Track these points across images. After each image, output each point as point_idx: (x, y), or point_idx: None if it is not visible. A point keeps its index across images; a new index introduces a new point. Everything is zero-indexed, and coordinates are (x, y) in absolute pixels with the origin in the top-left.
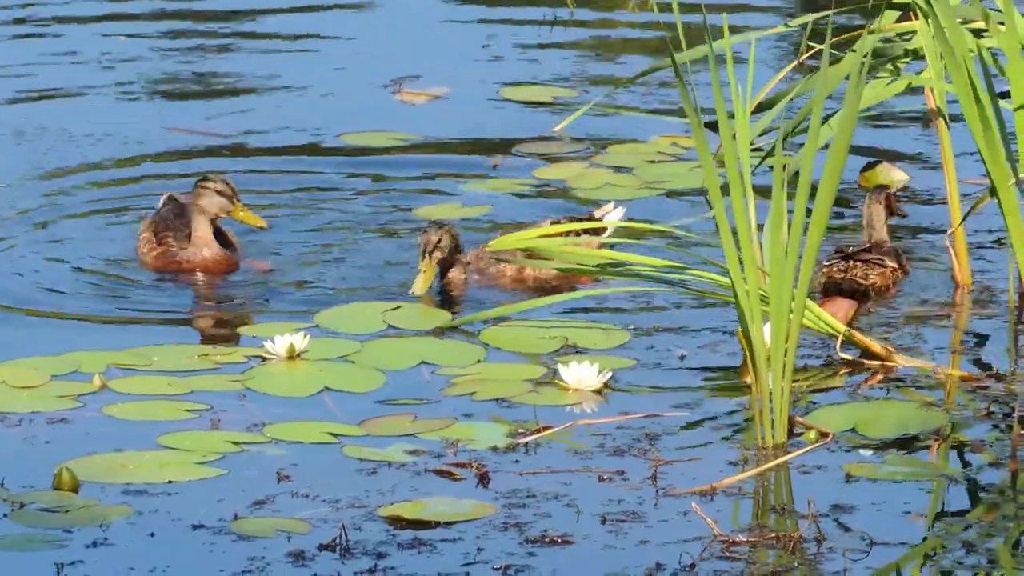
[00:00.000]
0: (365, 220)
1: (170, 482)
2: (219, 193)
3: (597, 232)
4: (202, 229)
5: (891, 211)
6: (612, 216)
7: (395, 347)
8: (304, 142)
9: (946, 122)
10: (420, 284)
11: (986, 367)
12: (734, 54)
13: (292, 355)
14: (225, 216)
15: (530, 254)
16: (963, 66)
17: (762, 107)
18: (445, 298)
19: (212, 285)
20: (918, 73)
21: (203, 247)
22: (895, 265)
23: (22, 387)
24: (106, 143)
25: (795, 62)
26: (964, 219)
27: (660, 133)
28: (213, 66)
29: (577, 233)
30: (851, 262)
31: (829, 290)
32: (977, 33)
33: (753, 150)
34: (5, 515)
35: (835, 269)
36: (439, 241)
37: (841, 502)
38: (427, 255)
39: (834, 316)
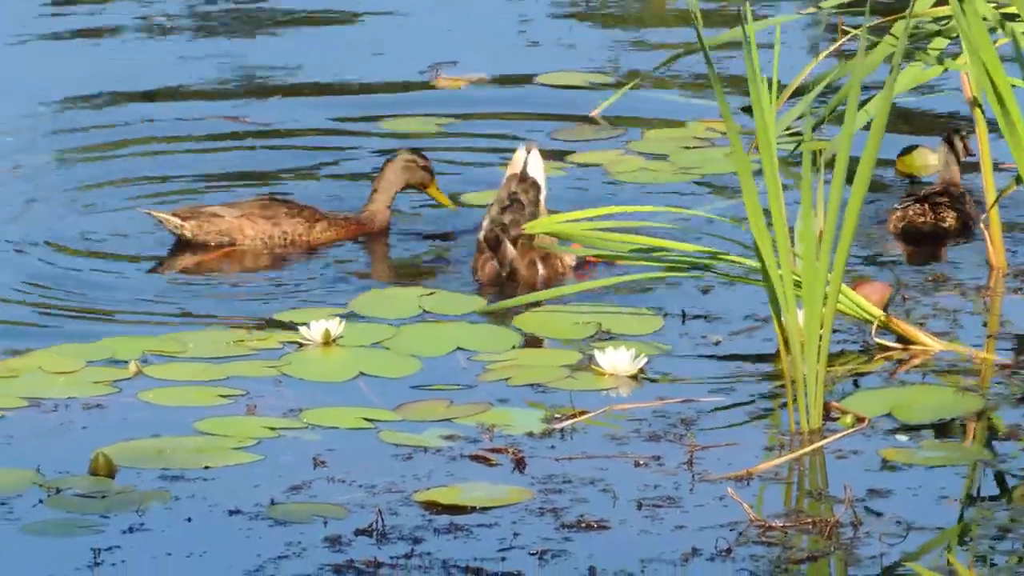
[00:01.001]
0: (399, 204)
1: (207, 467)
2: (423, 168)
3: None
4: (387, 196)
5: (964, 151)
6: (533, 162)
7: (430, 333)
8: (343, 127)
9: (980, 107)
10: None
11: (1022, 351)
12: (769, 38)
13: (327, 341)
14: (418, 190)
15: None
16: (982, 50)
17: (799, 92)
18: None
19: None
20: (954, 58)
21: (384, 210)
22: (965, 209)
23: (58, 373)
24: (137, 127)
25: (832, 47)
26: (994, 204)
27: (697, 117)
28: (248, 51)
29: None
30: (925, 205)
31: (909, 234)
32: (1010, 17)
33: (791, 134)
34: (42, 501)
35: (913, 212)
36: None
37: (877, 487)
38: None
39: (868, 300)
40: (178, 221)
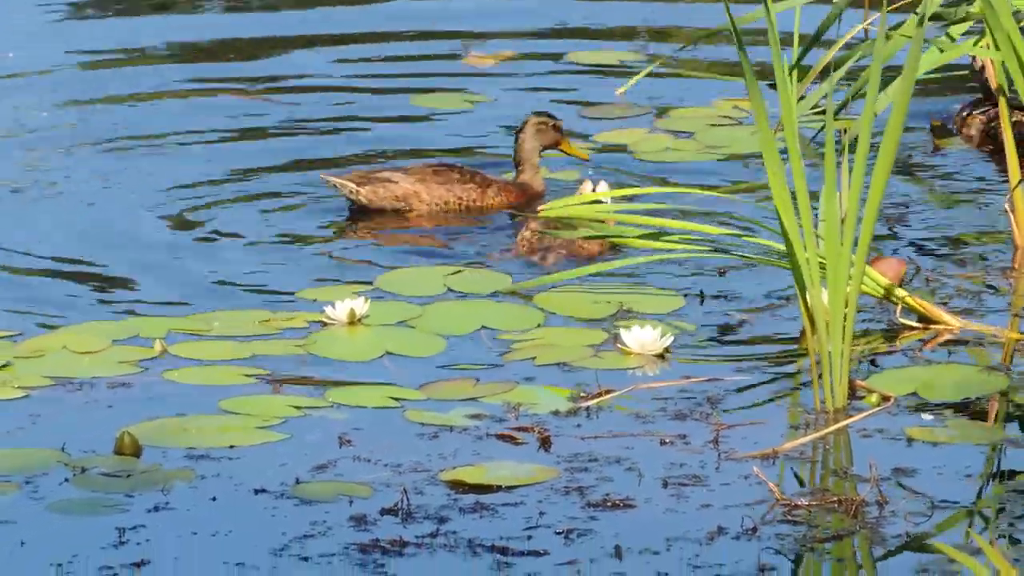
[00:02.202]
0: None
1: (232, 447)
2: (554, 128)
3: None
4: (531, 163)
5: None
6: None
7: (455, 311)
8: (373, 106)
9: (1004, 90)
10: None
11: None
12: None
13: (353, 320)
14: (553, 150)
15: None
16: (1008, 32)
17: (825, 73)
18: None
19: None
20: (976, 42)
21: (537, 177)
22: None
23: (84, 352)
24: (156, 110)
25: (859, 26)
26: (1017, 185)
27: (723, 96)
28: (277, 27)
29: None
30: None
31: (995, 139)
32: None
33: (816, 113)
34: (67, 480)
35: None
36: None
37: (902, 466)
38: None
39: (884, 275)
40: (353, 186)
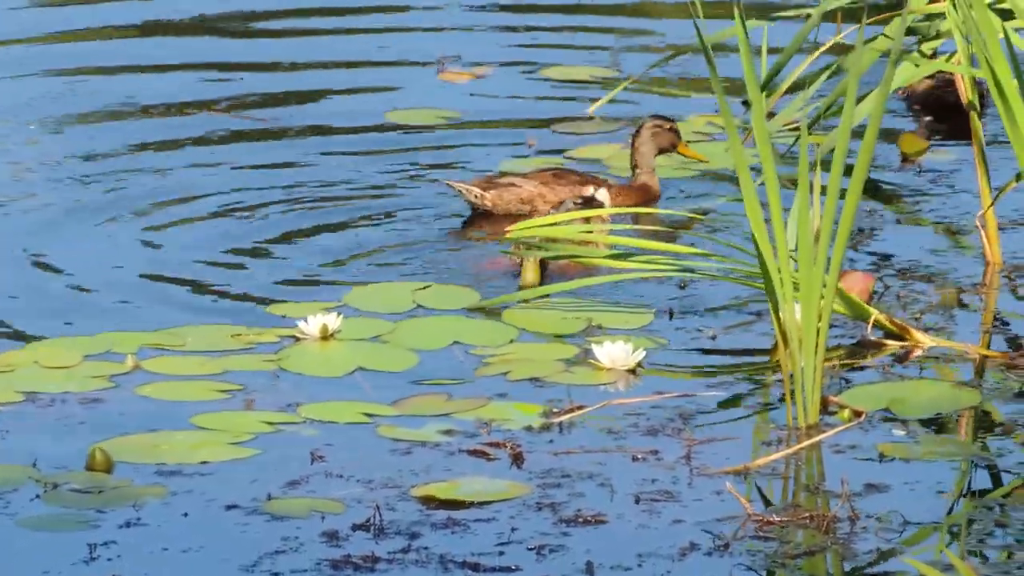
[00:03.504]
0: (400, 200)
1: (204, 462)
2: (670, 131)
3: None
4: (648, 166)
5: None
6: (601, 196)
7: (427, 327)
8: (347, 120)
9: (975, 107)
10: (530, 275)
11: (1018, 347)
12: (772, 37)
13: (325, 335)
14: (670, 152)
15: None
16: (991, 50)
17: (796, 88)
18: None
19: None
20: (948, 58)
21: (654, 179)
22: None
23: (55, 367)
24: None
25: (829, 42)
26: (993, 203)
27: (697, 112)
28: (254, 45)
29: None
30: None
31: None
32: (1003, 15)
33: (791, 130)
34: (38, 496)
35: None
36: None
37: (874, 481)
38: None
39: (851, 291)
40: (479, 191)
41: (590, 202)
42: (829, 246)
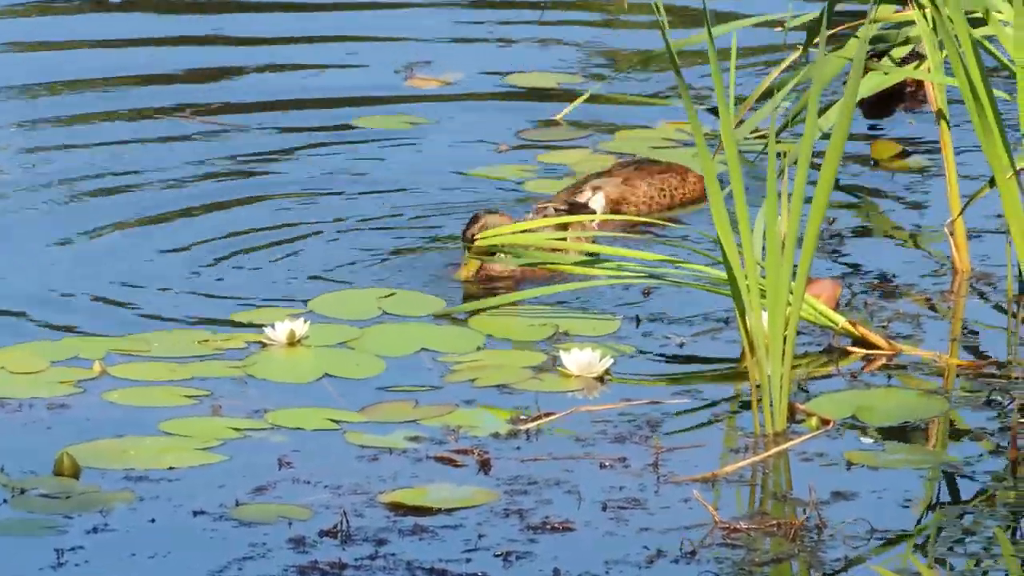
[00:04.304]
0: (365, 208)
1: (171, 468)
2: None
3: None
4: None
5: None
6: (596, 202)
7: (395, 333)
8: (314, 124)
9: (944, 114)
10: (463, 271)
11: (986, 355)
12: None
13: (292, 341)
14: None
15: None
16: (963, 57)
17: (767, 95)
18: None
19: None
20: (916, 66)
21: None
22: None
23: (22, 373)
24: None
25: (800, 51)
26: (962, 211)
27: (666, 119)
28: (221, 52)
29: (564, 227)
30: None
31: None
32: (972, 22)
33: (758, 137)
34: (5, 501)
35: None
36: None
37: (842, 489)
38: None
39: (817, 298)
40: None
41: (578, 208)
42: (796, 253)
